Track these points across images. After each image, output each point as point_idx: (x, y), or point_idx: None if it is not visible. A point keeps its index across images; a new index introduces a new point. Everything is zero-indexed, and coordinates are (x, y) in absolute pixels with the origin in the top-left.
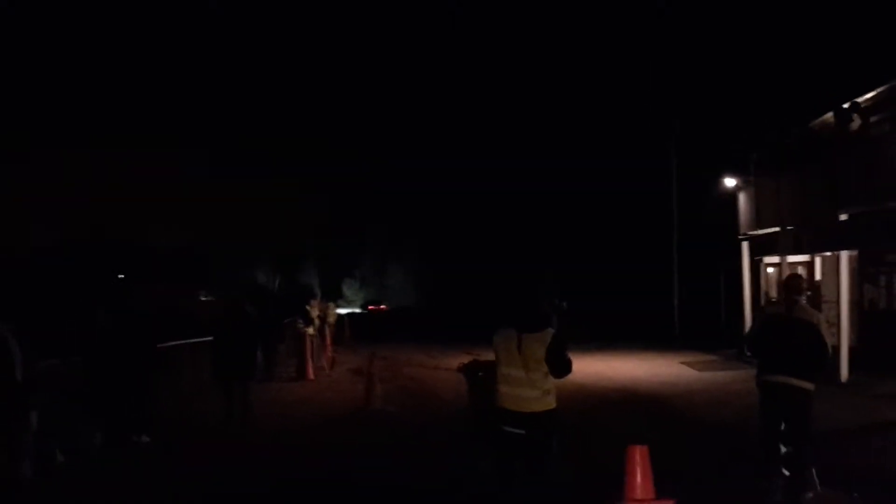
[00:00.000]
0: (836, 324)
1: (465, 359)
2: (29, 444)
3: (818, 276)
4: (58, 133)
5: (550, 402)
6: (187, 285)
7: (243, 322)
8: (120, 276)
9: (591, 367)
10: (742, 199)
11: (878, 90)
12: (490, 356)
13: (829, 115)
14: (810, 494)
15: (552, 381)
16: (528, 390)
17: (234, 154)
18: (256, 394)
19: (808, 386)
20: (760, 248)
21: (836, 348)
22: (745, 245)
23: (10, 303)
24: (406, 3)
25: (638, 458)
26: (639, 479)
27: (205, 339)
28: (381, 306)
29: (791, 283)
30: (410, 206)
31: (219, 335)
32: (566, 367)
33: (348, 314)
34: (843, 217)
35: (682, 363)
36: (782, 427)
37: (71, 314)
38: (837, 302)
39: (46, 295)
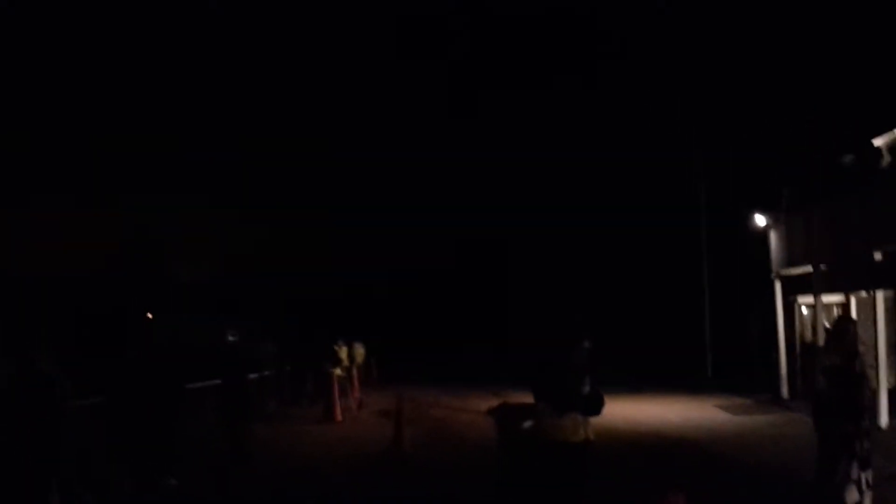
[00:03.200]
0: (874, 366)
1: (494, 401)
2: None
3: (854, 317)
4: (78, 164)
5: (584, 434)
6: (216, 324)
7: (241, 364)
8: (148, 314)
9: (620, 411)
10: (773, 236)
11: None
12: (518, 398)
13: (860, 152)
14: None
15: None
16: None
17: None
18: (294, 435)
19: None
20: (794, 287)
21: (875, 392)
22: (777, 284)
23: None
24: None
25: None
26: None
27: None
28: None
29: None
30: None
31: (224, 377)
32: (593, 405)
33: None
34: (878, 256)
35: (716, 406)
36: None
37: (97, 352)
38: (875, 344)
39: (71, 330)
